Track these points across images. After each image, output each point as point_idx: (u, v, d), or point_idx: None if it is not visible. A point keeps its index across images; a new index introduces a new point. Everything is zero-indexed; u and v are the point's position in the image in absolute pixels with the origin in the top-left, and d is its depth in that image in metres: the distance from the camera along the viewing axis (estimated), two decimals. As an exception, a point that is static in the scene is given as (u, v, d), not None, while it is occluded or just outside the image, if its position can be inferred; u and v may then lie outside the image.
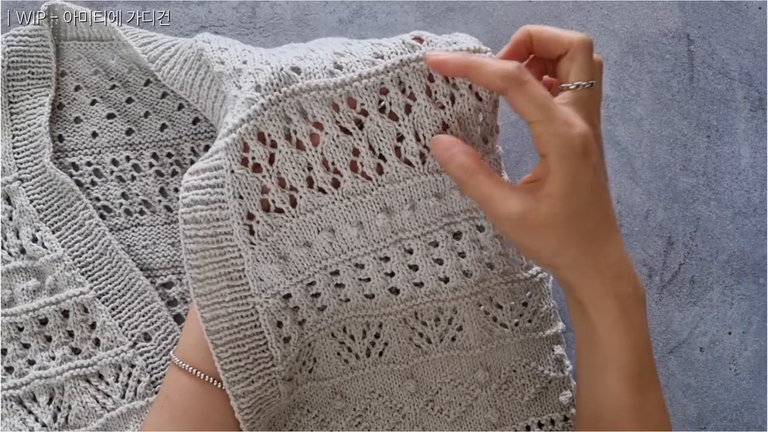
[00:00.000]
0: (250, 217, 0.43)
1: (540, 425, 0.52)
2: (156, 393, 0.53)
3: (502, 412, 0.51)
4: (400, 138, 0.43)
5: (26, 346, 0.53)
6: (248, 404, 0.45)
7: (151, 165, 0.57)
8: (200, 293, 0.44)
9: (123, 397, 0.52)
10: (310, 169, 0.43)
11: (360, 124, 0.42)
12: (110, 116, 0.57)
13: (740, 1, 0.63)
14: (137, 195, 0.56)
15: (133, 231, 0.56)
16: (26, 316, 0.53)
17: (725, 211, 0.62)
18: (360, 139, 0.42)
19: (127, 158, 0.57)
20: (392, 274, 0.47)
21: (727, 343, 0.61)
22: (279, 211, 0.43)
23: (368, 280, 0.47)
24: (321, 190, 0.43)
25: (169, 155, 0.57)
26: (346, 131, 0.42)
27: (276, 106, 0.41)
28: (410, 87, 0.42)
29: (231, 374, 0.44)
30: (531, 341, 0.51)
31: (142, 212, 0.56)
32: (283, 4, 0.60)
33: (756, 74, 0.63)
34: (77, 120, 0.57)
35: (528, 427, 0.51)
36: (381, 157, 0.43)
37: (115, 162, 0.57)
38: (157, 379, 0.53)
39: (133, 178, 0.57)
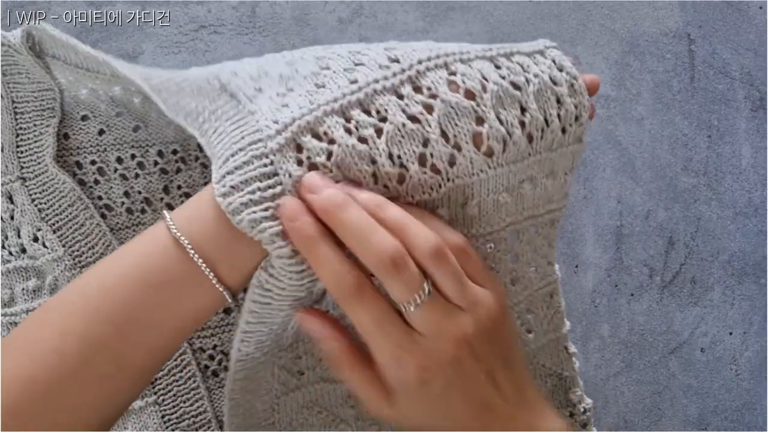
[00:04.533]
0: None
1: None
2: (156, 393, 0.53)
3: None
4: (480, 121, 0.39)
5: (26, 345, 0.53)
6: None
7: (155, 163, 0.57)
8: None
9: (123, 397, 0.52)
10: (374, 162, 0.38)
11: (430, 109, 0.38)
12: (119, 114, 0.57)
13: (741, 0, 0.63)
14: (139, 193, 0.56)
15: (134, 230, 0.56)
16: (26, 316, 0.53)
17: (726, 211, 0.62)
18: (430, 125, 0.38)
19: (133, 156, 0.57)
20: None
21: (728, 344, 0.61)
22: None
23: None
24: (385, 186, 0.39)
25: (175, 152, 0.57)
26: (413, 119, 0.38)
27: (334, 103, 0.38)
28: (478, 69, 0.39)
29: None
30: (548, 342, 0.51)
31: (143, 211, 0.56)
32: (282, 3, 0.60)
33: (757, 74, 0.62)
34: (84, 118, 0.57)
35: None
36: (456, 146, 0.39)
37: (119, 160, 0.56)
38: (156, 379, 0.53)
39: (137, 176, 0.56)
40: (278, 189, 0.37)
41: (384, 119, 0.38)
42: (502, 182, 0.41)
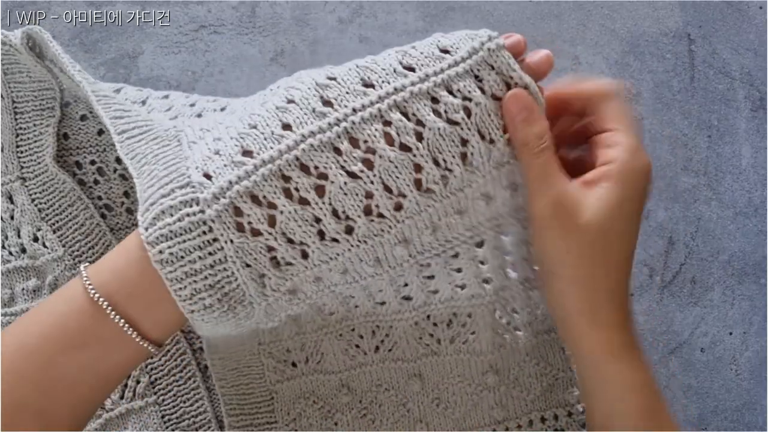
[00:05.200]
0: (262, 276, 0.38)
1: (543, 420, 0.52)
2: (156, 393, 0.53)
3: (507, 409, 0.52)
4: (419, 169, 0.38)
5: (26, 345, 0.53)
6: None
7: (154, 163, 0.57)
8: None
9: (122, 397, 0.52)
10: (318, 221, 0.38)
11: (369, 165, 0.38)
12: None
13: (741, 0, 0.63)
14: (139, 193, 0.56)
15: (133, 230, 0.56)
16: (26, 316, 0.53)
17: (726, 211, 0.62)
18: (372, 181, 0.38)
19: (132, 156, 0.57)
20: (406, 285, 0.46)
21: (728, 344, 0.61)
22: (289, 264, 0.39)
23: (380, 290, 0.46)
24: (334, 240, 0.39)
25: (173, 152, 0.57)
26: (354, 176, 0.38)
27: (271, 164, 0.37)
28: (414, 113, 0.38)
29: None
30: (542, 342, 0.51)
31: (143, 211, 0.56)
32: (282, 3, 0.60)
33: (757, 74, 0.62)
34: (83, 118, 0.57)
35: (531, 422, 0.52)
36: (400, 194, 0.38)
37: (119, 160, 0.56)
38: (156, 379, 0.53)
39: (136, 175, 0.56)
40: (219, 255, 0.37)
41: (324, 176, 0.37)
42: (452, 208, 0.40)
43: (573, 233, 0.38)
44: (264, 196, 0.37)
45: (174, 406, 0.53)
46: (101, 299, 0.37)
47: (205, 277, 0.37)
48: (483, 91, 0.38)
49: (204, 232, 0.36)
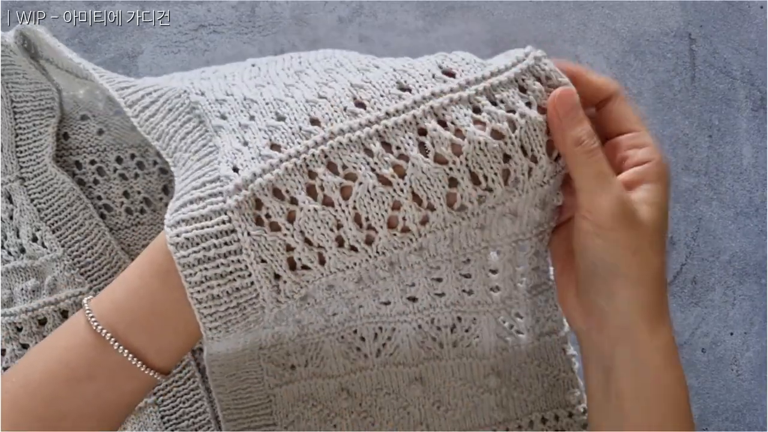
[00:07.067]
0: (277, 277, 0.38)
1: (543, 420, 0.52)
2: (155, 394, 0.52)
3: (508, 410, 0.52)
4: (454, 183, 0.36)
5: (25, 346, 0.53)
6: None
7: (155, 163, 0.56)
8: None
9: (122, 397, 0.52)
10: (339, 227, 0.37)
11: (401, 172, 0.36)
12: (117, 113, 0.57)
13: (742, 0, 0.62)
14: (139, 193, 0.56)
15: (133, 230, 0.56)
16: (25, 316, 0.53)
17: (727, 211, 0.62)
18: (402, 189, 0.36)
19: (132, 156, 0.56)
20: (413, 285, 0.45)
21: (729, 344, 0.61)
22: (306, 268, 0.38)
23: (387, 290, 0.45)
24: (353, 248, 0.37)
25: (173, 152, 0.57)
26: (384, 180, 0.36)
27: (296, 159, 0.36)
28: (452, 122, 0.36)
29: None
30: (544, 344, 0.51)
31: (142, 211, 0.56)
32: (282, 3, 0.60)
33: (758, 73, 0.62)
34: (83, 117, 0.57)
35: (531, 422, 0.52)
36: (429, 207, 0.37)
37: (119, 160, 0.56)
38: (156, 379, 0.53)
39: (136, 176, 0.56)
40: (234, 246, 0.37)
41: (352, 177, 0.36)
42: (477, 223, 0.39)
43: (638, 234, 0.38)
44: (287, 191, 0.36)
45: (173, 407, 0.53)
46: (104, 330, 0.37)
47: (217, 266, 0.37)
48: (528, 104, 0.37)
49: (223, 221, 0.36)
